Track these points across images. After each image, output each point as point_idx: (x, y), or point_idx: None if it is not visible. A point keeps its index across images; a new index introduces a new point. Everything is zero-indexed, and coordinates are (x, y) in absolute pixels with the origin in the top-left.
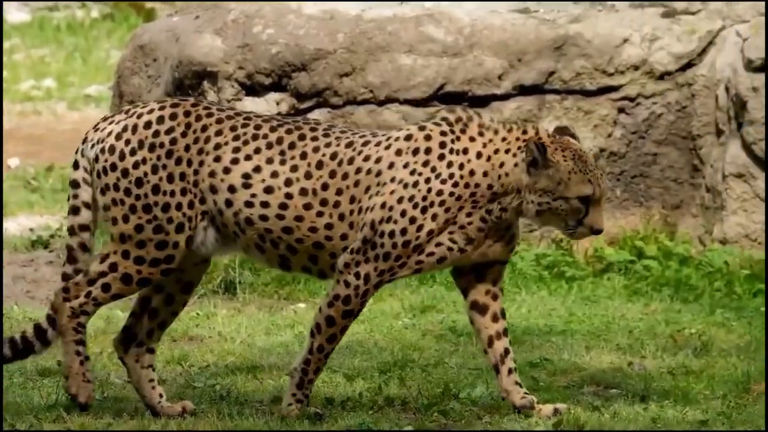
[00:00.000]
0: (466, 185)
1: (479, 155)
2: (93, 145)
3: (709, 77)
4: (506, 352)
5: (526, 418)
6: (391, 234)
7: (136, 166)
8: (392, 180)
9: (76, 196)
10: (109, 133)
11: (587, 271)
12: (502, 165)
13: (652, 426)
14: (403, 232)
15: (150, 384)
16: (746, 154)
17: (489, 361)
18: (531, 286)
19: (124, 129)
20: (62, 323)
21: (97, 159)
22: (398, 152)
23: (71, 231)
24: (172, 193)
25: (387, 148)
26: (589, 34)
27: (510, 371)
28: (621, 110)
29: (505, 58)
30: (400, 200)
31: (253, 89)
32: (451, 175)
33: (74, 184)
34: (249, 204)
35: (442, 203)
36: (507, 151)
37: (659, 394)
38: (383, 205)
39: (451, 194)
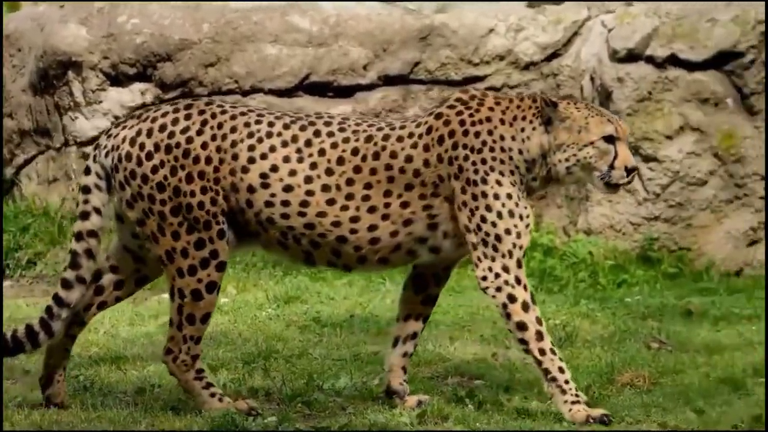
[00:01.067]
0: (502, 149)
1: (503, 121)
2: (108, 153)
3: (574, 67)
4: (414, 335)
5: (390, 408)
6: (483, 219)
7: (154, 170)
8: (440, 179)
9: (86, 201)
10: (123, 139)
11: None
12: (523, 130)
13: (515, 417)
14: (488, 208)
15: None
16: None
17: (392, 333)
18: (395, 276)
19: (138, 133)
20: (184, 380)
21: (116, 169)
22: (426, 148)
23: (78, 236)
24: (193, 193)
25: (414, 146)
26: (455, 25)
27: (405, 354)
28: None
29: (371, 48)
30: (463, 190)
31: (117, 79)
32: (484, 143)
33: (85, 190)
34: (269, 204)
35: (492, 169)
36: (524, 118)
37: (523, 385)
38: (461, 207)
39: (494, 159)
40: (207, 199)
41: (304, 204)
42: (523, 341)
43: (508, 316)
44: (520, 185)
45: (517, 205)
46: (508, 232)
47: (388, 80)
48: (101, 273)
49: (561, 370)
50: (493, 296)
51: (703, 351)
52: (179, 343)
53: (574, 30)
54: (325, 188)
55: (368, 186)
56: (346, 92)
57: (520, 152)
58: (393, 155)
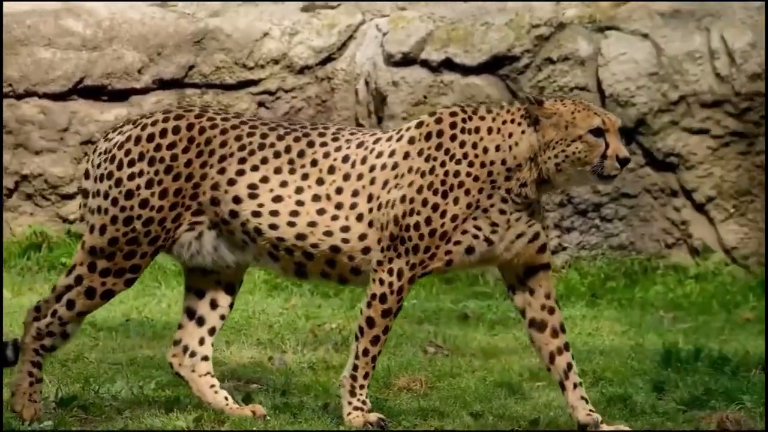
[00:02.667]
0: (482, 164)
1: (490, 130)
2: (100, 154)
3: (349, 71)
4: (569, 366)
5: (166, 413)
6: (416, 226)
7: (131, 177)
8: (409, 170)
9: (86, 206)
10: (115, 144)
11: None
12: (510, 135)
13: (292, 421)
14: (428, 221)
15: (212, 389)
16: None
17: (553, 378)
18: (171, 281)
19: (128, 139)
20: (26, 342)
21: (98, 166)
22: (411, 141)
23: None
24: (160, 209)
25: (399, 139)
26: (229, 28)
27: (575, 386)
28: (261, 104)
29: (145, 52)
30: (420, 190)
31: None
32: (465, 155)
33: (85, 194)
34: (256, 214)
35: (461, 185)
36: (512, 122)
37: (300, 389)
38: (403, 199)
39: (468, 174)
40: (172, 215)
41: (294, 214)
42: (361, 331)
43: (368, 305)
44: (488, 199)
45: (455, 228)
46: (426, 249)
47: (162, 84)
48: (192, 309)
49: (365, 376)
50: (373, 280)
51: (480, 355)
52: (48, 311)
53: (349, 34)
54: (316, 198)
55: (355, 193)
56: (120, 96)
57: (503, 162)
58: (379, 155)
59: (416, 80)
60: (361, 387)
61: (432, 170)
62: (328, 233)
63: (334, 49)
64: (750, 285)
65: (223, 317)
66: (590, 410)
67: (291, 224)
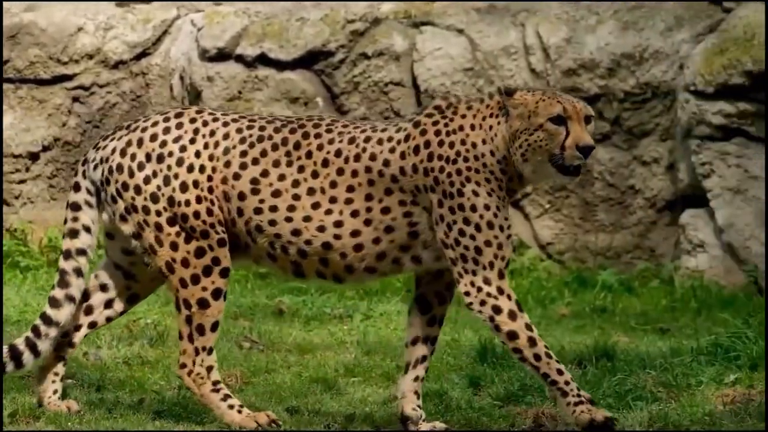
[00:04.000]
0: (476, 157)
1: (473, 127)
2: (96, 166)
3: (164, 66)
4: (423, 359)
5: None
6: (461, 233)
7: (147, 180)
8: (417, 189)
9: (75, 219)
10: (113, 150)
11: (42, 260)
12: (491, 128)
13: (107, 416)
14: (466, 221)
15: (51, 377)
16: None
17: (403, 358)
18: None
19: (129, 144)
20: (201, 394)
21: (107, 182)
22: (402, 156)
23: (67, 254)
24: (188, 203)
25: (391, 151)
26: (44, 23)
27: (417, 378)
28: (76, 99)
29: None
30: (440, 204)
31: None
32: (458, 153)
33: (74, 207)
34: (258, 210)
35: (468, 180)
36: (491, 116)
37: (114, 384)
38: (438, 221)
39: (469, 169)
40: (203, 208)
41: (291, 209)
42: (516, 350)
43: (497, 328)
44: (499, 191)
45: (495, 215)
46: (488, 243)
47: None
48: (89, 292)
49: (559, 372)
50: (479, 311)
51: (295, 350)
52: (192, 356)
53: (164, 29)
54: (311, 191)
55: (350, 189)
56: None
57: (492, 153)
58: (372, 158)
59: (231, 75)
60: (567, 383)
61: (436, 181)
62: (321, 228)
63: (149, 44)
64: (565, 281)
65: (109, 319)
66: (418, 406)
67: (288, 219)
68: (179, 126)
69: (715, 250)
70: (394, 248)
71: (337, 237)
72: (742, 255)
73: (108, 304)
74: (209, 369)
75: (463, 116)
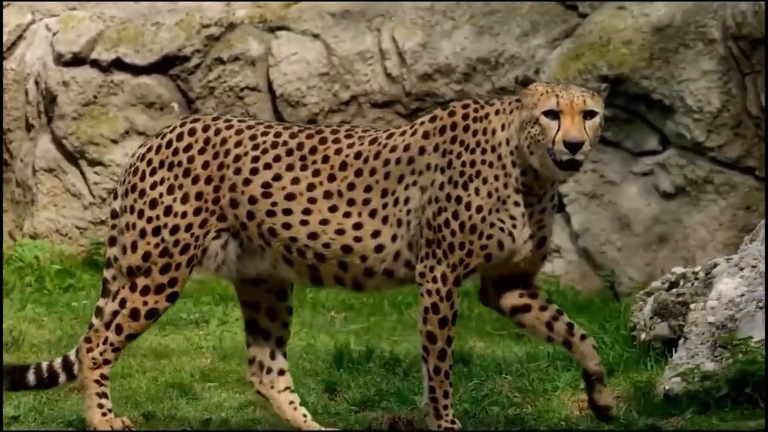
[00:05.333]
0: (492, 148)
1: (497, 112)
2: (126, 171)
3: (19, 71)
4: (570, 326)
5: None
6: (446, 223)
7: (153, 186)
8: (428, 167)
9: (114, 227)
10: (138, 156)
11: None
12: (511, 114)
13: None
14: (455, 215)
15: (291, 406)
16: (56, 148)
17: (557, 341)
18: None
19: (149, 149)
20: (85, 375)
21: (123, 181)
22: (426, 135)
23: (108, 262)
24: (184, 215)
25: (413, 134)
26: None
27: (583, 336)
28: None
29: None
30: (442, 186)
31: None
32: (478, 143)
33: (113, 214)
34: (270, 213)
35: (478, 174)
36: (515, 108)
37: None
38: (432, 200)
39: (483, 162)
40: (198, 220)
41: (307, 212)
42: (425, 350)
43: (424, 321)
44: (504, 190)
45: (483, 219)
46: (461, 246)
47: None
48: (255, 319)
49: (446, 395)
50: (421, 295)
51: (151, 355)
52: (100, 340)
53: (18, 33)
54: (327, 195)
55: (368, 189)
56: None
57: (508, 142)
58: (393, 149)
59: (86, 80)
60: (445, 407)
61: (450, 164)
62: (340, 231)
63: (4, 49)
64: None
65: (285, 325)
66: (598, 363)
67: (303, 222)
68: (192, 133)
69: (570, 255)
70: (404, 245)
71: (357, 239)
72: (597, 260)
73: (271, 315)
74: (106, 362)
75: (492, 104)
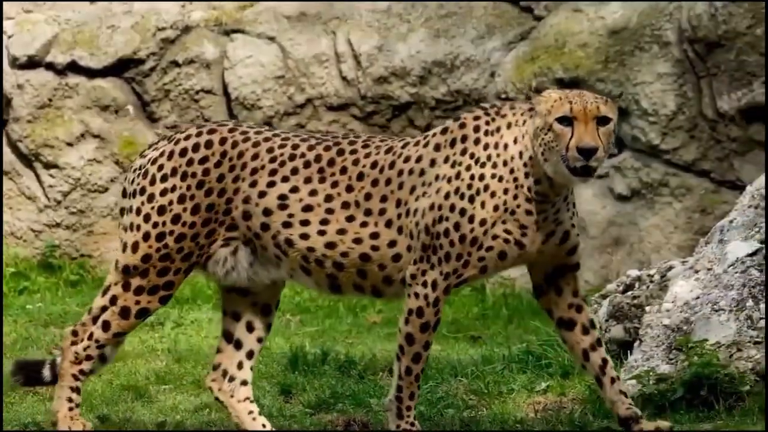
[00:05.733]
0: (504, 162)
1: (509, 125)
2: (135, 171)
3: None
4: (604, 362)
5: None
6: (446, 232)
7: (163, 192)
8: (437, 178)
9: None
10: (149, 159)
11: None
12: (524, 124)
13: None
14: (456, 227)
15: (251, 416)
16: (11, 151)
17: (589, 374)
18: None
19: (161, 154)
20: (63, 367)
21: (132, 181)
22: (437, 147)
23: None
24: (192, 225)
25: (426, 145)
26: None
27: (612, 380)
28: None
29: None
30: (447, 196)
31: None
32: (489, 157)
33: (122, 213)
34: (287, 225)
35: (486, 188)
36: (530, 116)
37: None
38: (434, 206)
39: (493, 176)
40: (205, 231)
41: (324, 222)
42: (400, 349)
43: (406, 321)
44: (513, 201)
45: (485, 233)
46: (458, 257)
47: None
48: (231, 329)
49: (411, 396)
50: (408, 296)
51: None
52: (85, 334)
53: None
54: (345, 205)
55: (384, 199)
56: None
57: (521, 155)
58: (407, 159)
59: (41, 83)
60: (408, 408)
61: (458, 175)
62: (358, 240)
63: None
64: None
65: (260, 340)
66: (630, 404)
67: (321, 233)
68: (209, 145)
69: None
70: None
71: (374, 248)
72: None
73: (249, 327)
74: (88, 357)
75: (504, 116)
